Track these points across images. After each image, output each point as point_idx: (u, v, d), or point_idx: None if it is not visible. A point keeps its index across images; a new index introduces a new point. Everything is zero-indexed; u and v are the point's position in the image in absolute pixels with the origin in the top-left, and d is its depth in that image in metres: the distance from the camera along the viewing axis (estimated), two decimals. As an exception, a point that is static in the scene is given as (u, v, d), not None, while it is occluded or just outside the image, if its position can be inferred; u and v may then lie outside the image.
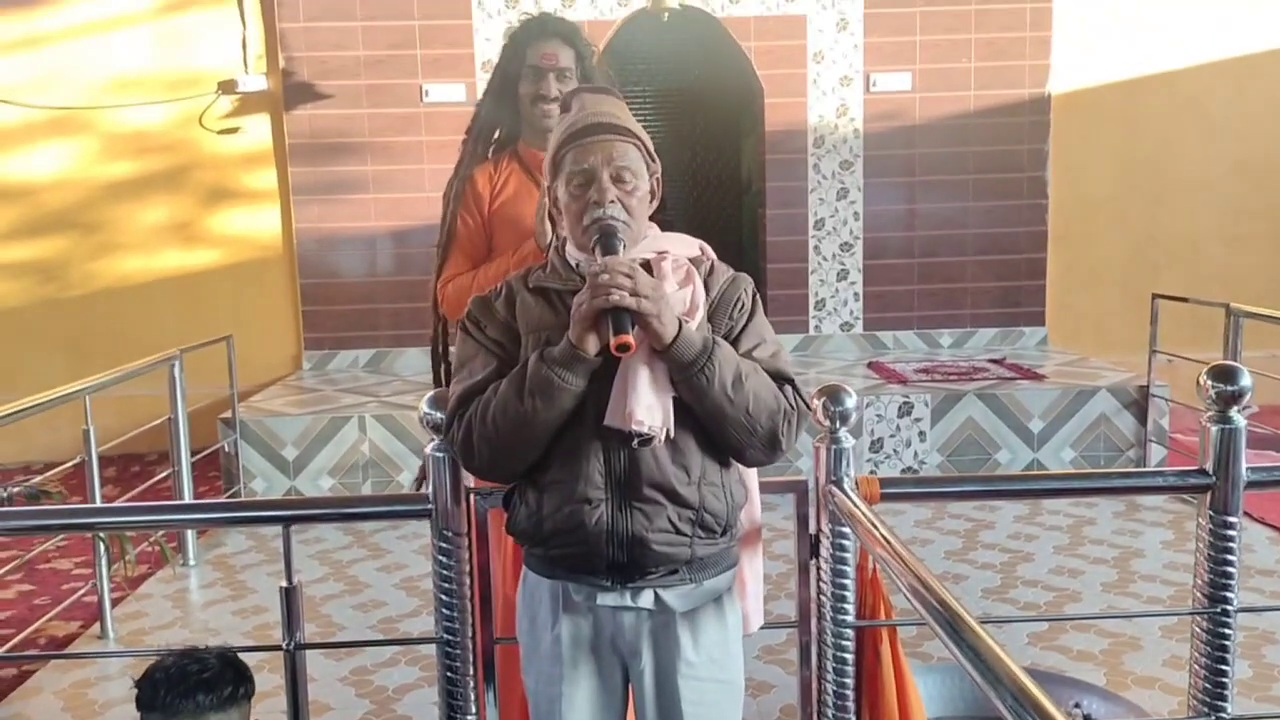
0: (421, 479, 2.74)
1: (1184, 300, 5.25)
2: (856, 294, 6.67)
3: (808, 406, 1.78)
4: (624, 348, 1.57)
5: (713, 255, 1.85)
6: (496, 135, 2.77)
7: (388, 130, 6.39)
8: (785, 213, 6.61)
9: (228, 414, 5.16)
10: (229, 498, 5.18)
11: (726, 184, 9.09)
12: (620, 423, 1.63)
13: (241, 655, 2.05)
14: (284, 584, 2.05)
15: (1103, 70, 6.67)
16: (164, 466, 4.90)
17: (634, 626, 1.76)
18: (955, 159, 6.60)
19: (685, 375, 1.63)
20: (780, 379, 1.73)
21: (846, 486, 2.03)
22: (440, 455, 1.96)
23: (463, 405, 1.73)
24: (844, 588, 2.07)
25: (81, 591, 4.13)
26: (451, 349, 2.84)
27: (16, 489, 4.06)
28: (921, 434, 5.29)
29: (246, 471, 5.16)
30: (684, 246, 1.82)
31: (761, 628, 2.04)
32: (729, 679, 1.82)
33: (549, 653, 1.80)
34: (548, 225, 2.51)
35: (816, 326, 6.70)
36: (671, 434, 1.66)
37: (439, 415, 1.92)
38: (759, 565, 2.00)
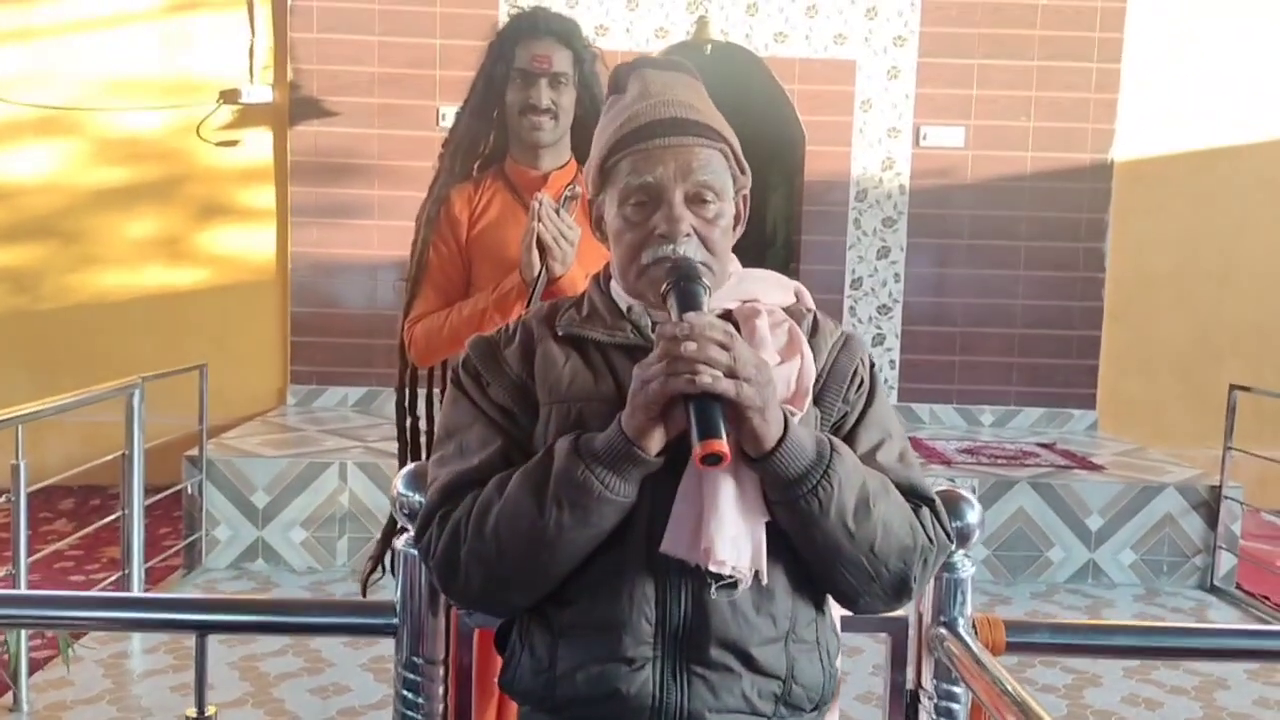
0: (375, 565, 2.21)
1: (1263, 393, 4.72)
2: (893, 362, 6.15)
3: (950, 538, 1.25)
4: (714, 458, 1.04)
5: (812, 304, 1.34)
6: (481, 151, 2.31)
7: (398, 153, 5.92)
8: (821, 268, 6.10)
9: (194, 451, 4.62)
10: (182, 548, 4.62)
11: (751, 237, 8.63)
12: (689, 556, 1.11)
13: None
14: (191, 713, 1.50)
15: (1170, 140, 6.19)
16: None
17: None
18: (1007, 224, 6.11)
19: (788, 497, 1.12)
20: (915, 496, 1.21)
21: (962, 630, 1.50)
22: (414, 553, 1.43)
23: (448, 501, 1.20)
24: (950, 766, 1.53)
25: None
26: (421, 401, 2.35)
27: None
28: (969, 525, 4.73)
29: (210, 517, 4.61)
30: (777, 291, 1.30)
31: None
32: None
33: None
34: (536, 256, 2.02)
35: (847, 394, 6.16)
36: (764, 579, 1.13)
37: (419, 500, 1.38)
38: None
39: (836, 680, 1.27)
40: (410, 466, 1.50)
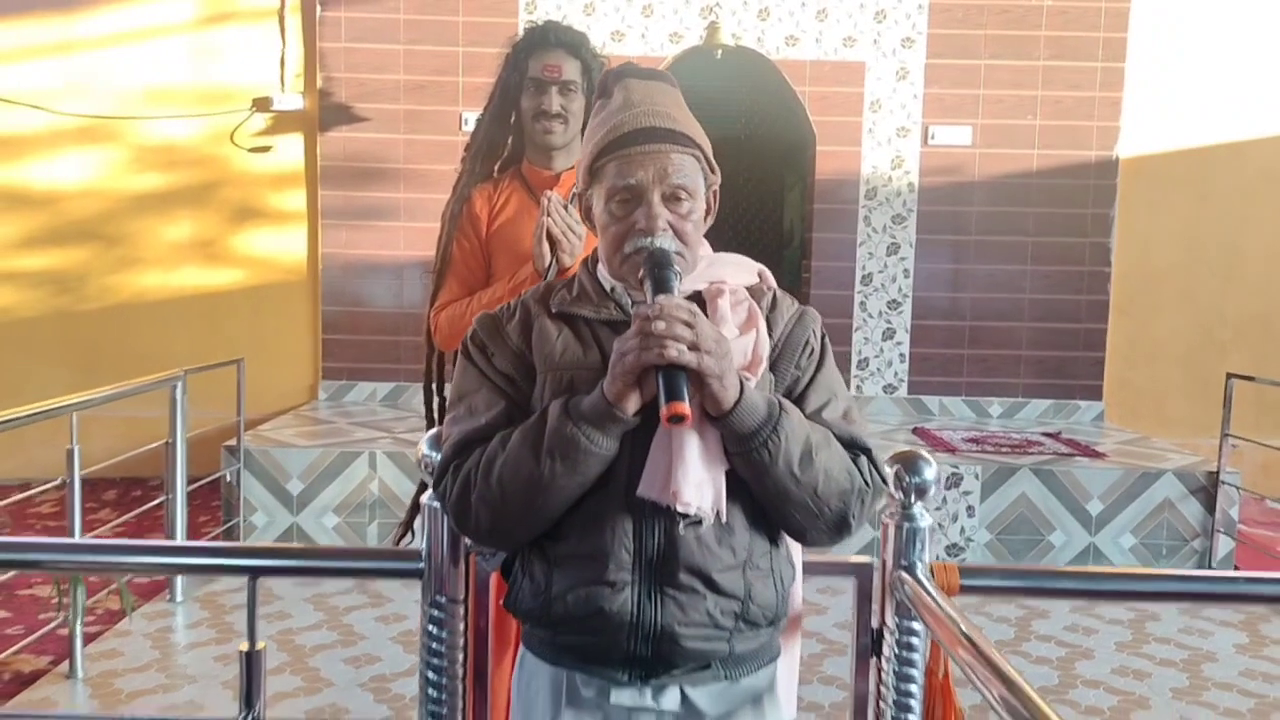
0: (405, 530, 2.42)
1: (1261, 381, 4.87)
2: (902, 355, 6.32)
3: (884, 481, 1.45)
4: (678, 418, 1.25)
5: (774, 283, 1.53)
6: (500, 153, 2.51)
7: (423, 157, 6.16)
8: (831, 265, 6.29)
9: (232, 441, 4.87)
10: (220, 534, 4.87)
11: (769, 236, 8.82)
12: (661, 498, 1.32)
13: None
14: (244, 647, 1.72)
15: (1174, 136, 6.33)
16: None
17: None
18: (1014, 220, 6.27)
19: (743, 448, 1.32)
20: (854, 447, 1.41)
21: (920, 574, 1.69)
22: (438, 506, 1.64)
23: (460, 455, 1.41)
24: (909, 694, 1.72)
25: (56, 623, 3.82)
26: (448, 385, 2.54)
27: None
28: (970, 509, 4.91)
29: (247, 504, 4.85)
30: (741, 273, 1.49)
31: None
32: None
33: None
34: (546, 249, 2.23)
35: (858, 387, 6.35)
36: (724, 517, 1.35)
37: (439, 458, 1.60)
38: (796, 653, 1.65)
39: (787, 603, 1.47)
40: (432, 430, 1.71)
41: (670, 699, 1.41)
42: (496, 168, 2.53)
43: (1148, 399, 6.40)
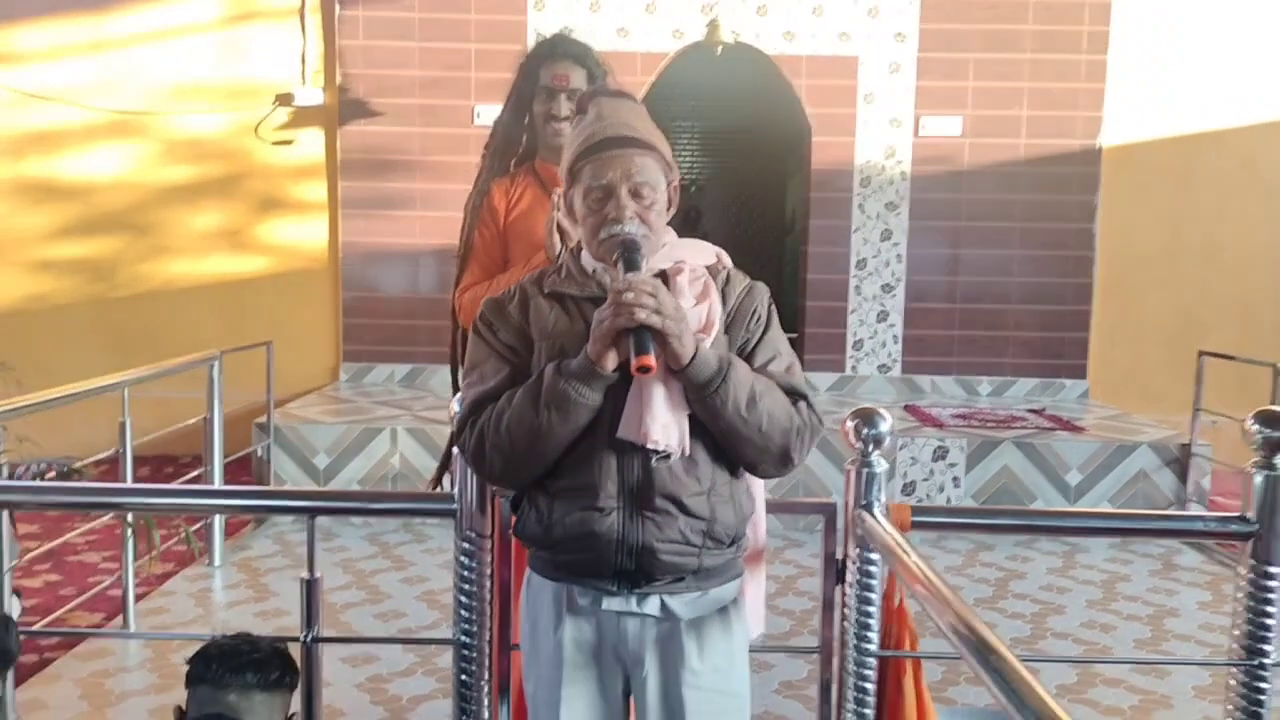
0: (437, 481, 2.74)
1: (1230, 358, 5.15)
2: (896, 336, 6.63)
3: (820, 422, 1.76)
4: (645, 369, 1.56)
5: (729, 262, 1.84)
6: (515, 151, 2.81)
7: (438, 149, 6.46)
8: (827, 250, 6.59)
9: (263, 418, 5.19)
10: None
11: (770, 222, 9.11)
12: (635, 438, 1.64)
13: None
14: (305, 576, 2.05)
15: (1156, 125, 6.61)
16: (197, 469, 4.94)
17: (638, 634, 1.73)
18: (1002, 206, 6.56)
19: (700, 395, 1.63)
20: (794, 394, 1.72)
21: (877, 512, 2.00)
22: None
23: (475, 412, 1.73)
24: (869, 615, 2.03)
25: (105, 584, 4.16)
26: None
27: (46, 465, 4.10)
28: (955, 479, 5.22)
29: (277, 477, 5.18)
30: (700, 254, 1.81)
31: (782, 653, 2.00)
32: (734, 691, 1.78)
33: (550, 657, 1.77)
34: (557, 238, 2.55)
35: (853, 367, 6.65)
36: (687, 451, 1.66)
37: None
38: (762, 577, 1.97)
39: (746, 526, 1.78)
40: (459, 394, 2.03)
41: (651, 605, 1.73)
42: (513, 164, 2.84)
43: (1131, 377, 6.69)
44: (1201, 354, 5.24)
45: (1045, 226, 6.56)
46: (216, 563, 4.55)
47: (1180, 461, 5.22)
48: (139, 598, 4.09)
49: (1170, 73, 6.57)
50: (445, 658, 3.62)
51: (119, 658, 3.63)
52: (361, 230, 6.55)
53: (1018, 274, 6.60)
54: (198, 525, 4.45)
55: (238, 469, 5.59)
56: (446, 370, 2.93)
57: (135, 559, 3.86)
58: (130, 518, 3.71)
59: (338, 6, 6.44)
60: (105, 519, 4.42)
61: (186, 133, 6.60)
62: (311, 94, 6.52)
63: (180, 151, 6.62)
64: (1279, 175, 6.71)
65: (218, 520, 4.63)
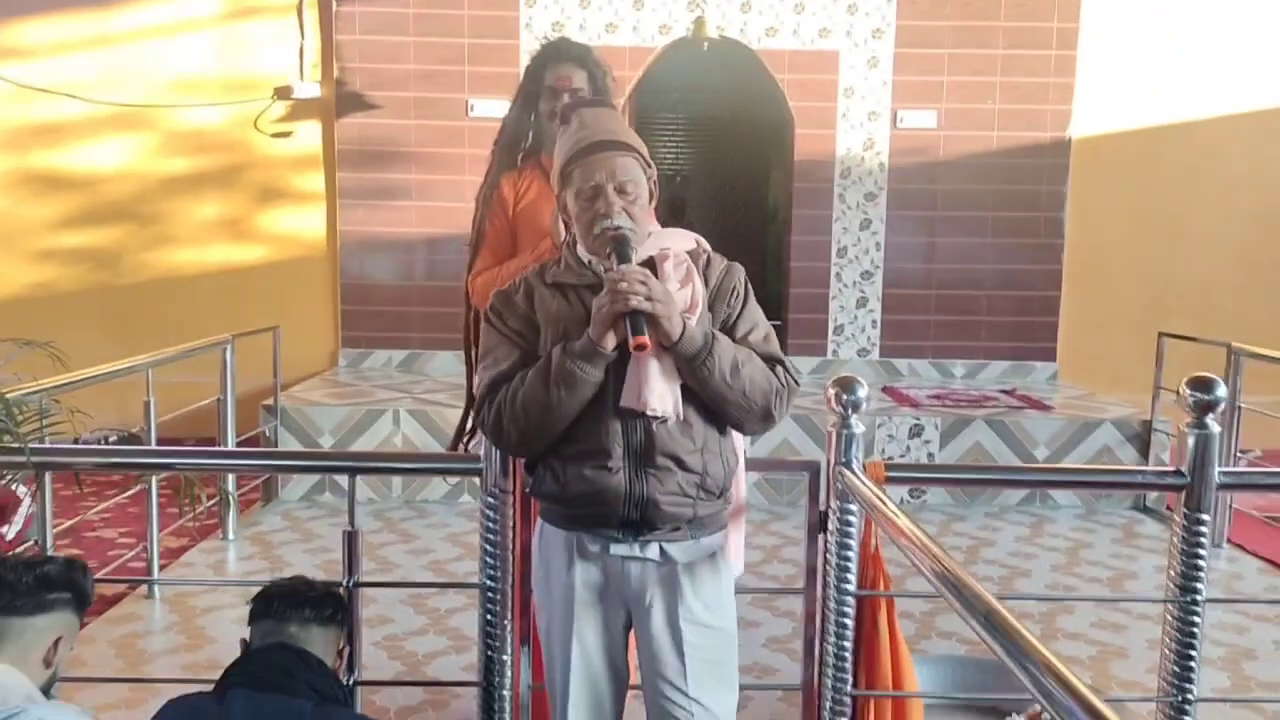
0: (456, 441, 3.00)
1: (1189, 339, 5.44)
2: (875, 321, 6.90)
3: (797, 383, 2.02)
4: (641, 347, 1.81)
5: (708, 247, 2.10)
6: (523, 146, 3.05)
7: (433, 141, 6.68)
8: (809, 239, 6.86)
9: (270, 401, 5.42)
10: (261, 483, 5.43)
11: (754, 212, 9.36)
12: (636, 406, 1.89)
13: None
14: (347, 528, 2.30)
15: (1123, 118, 6.91)
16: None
17: (640, 575, 1.99)
18: (976, 196, 6.84)
19: (690, 367, 1.89)
20: (771, 360, 1.98)
21: (855, 468, 2.27)
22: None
23: (491, 392, 1.97)
24: (848, 559, 2.30)
25: (128, 557, 4.40)
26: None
27: (108, 433, 4.34)
28: (930, 455, 5.49)
29: (284, 456, 5.40)
30: (682, 241, 2.07)
31: (770, 601, 2.26)
32: (723, 626, 2.04)
33: (562, 596, 2.02)
34: (561, 226, 2.79)
35: (834, 351, 6.93)
36: (681, 416, 1.92)
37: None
38: (742, 529, 2.23)
39: (732, 478, 2.04)
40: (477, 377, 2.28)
41: (652, 551, 1.98)
42: (520, 159, 3.08)
43: (1099, 360, 7.00)
44: (1161, 335, 5.53)
45: (1017, 215, 6.85)
46: (230, 536, 4.78)
47: (1142, 437, 5.52)
48: (160, 570, 4.33)
49: (1137, 67, 6.86)
50: (455, 618, 3.90)
51: (146, 622, 3.87)
52: (359, 219, 6.76)
53: (991, 261, 6.88)
54: (214, 500, 4.69)
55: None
56: (442, 355, 3.20)
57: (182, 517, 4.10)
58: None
59: (334, 2, 6.64)
60: (131, 492, 4.65)
61: (188, 125, 6.80)
62: (309, 87, 6.72)
63: (182, 143, 6.82)
64: (1241, 166, 7.02)
65: (230, 489, 4.88)
